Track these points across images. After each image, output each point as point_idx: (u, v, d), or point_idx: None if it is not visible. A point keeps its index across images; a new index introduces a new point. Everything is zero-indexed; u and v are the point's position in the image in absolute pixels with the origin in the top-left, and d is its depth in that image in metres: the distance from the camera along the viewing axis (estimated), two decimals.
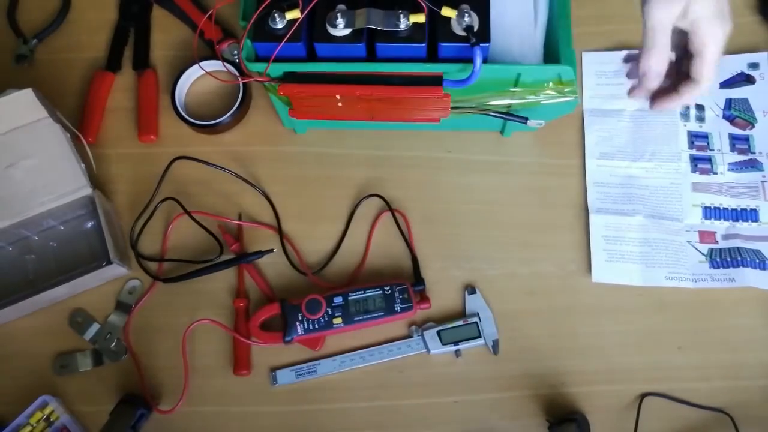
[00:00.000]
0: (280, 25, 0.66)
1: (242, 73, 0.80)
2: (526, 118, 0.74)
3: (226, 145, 0.85)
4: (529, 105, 0.70)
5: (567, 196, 0.82)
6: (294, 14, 0.66)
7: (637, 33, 0.86)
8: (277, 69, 0.68)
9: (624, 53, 0.85)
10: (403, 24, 0.64)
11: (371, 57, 0.68)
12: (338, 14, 0.65)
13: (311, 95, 0.69)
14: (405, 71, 0.67)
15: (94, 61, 0.89)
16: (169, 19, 0.90)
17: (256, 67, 0.68)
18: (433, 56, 0.68)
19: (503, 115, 0.74)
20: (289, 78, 0.68)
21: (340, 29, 0.65)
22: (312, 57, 0.69)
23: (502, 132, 0.83)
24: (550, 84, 0.68)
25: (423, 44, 0.66)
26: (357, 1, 0.66)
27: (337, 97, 0.69)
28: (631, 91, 0.66)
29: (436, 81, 0.67)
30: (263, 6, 0.66)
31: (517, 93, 0.70)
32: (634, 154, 0.82)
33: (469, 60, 0.64)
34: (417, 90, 0.67)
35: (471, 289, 0.78)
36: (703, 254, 0.78)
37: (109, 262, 0.76)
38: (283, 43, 0.66)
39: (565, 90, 0.68)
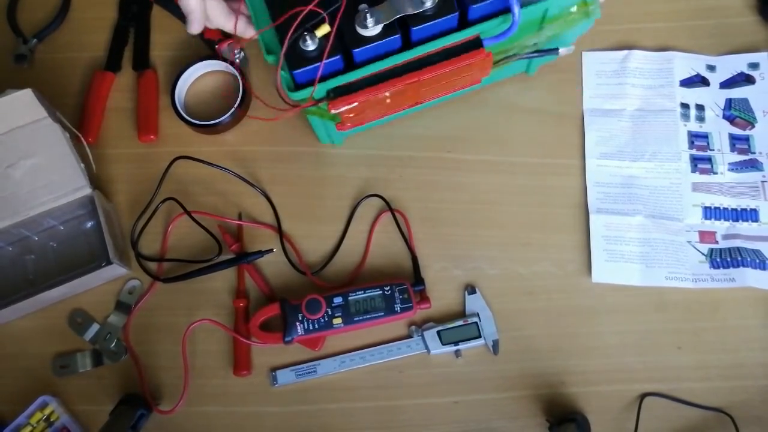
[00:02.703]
0: (312, 46, 0.64)
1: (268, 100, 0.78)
2: (557, 49, 0.74)
3: (226, 145, 0.85)
4: (555, 36, 0.71)
5: (567, 196, 0.82)
6: (323, 30, 0.64)
7: (637, 33, 0.87)
8: (321, 89, 0.66)
9: (624, 53, 0.86)
10: (429, 2, 0.64)
11: (406, 44, 0.67)
12: (366, 14, 0.63)
13: (362, 102, 0.68)
14: (445, 45, 0.66)
15: (94, 61, 0.89)
16: (169, 19, 0.90)
17: (300, 95, 0.66)
18: (462, 22, 0.67)
19: (536, 54, 0.74)
20: (334, 94, 0.67)
21: (371, 28, 0.64)
22: (349, 65, 0.68)
23: (527, 71, 0.83)
24: (575, 8, 0.69)
25: (455, 14, 0.65)
26: None
27: (387, 94, 0.68)
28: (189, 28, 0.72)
29: (476, 44, 0.67)
30: (291, 33, 0.64)
31: (545, 28, 0.70)
32: (634, 154, 0.82)
33: (502, 12, 0.65)
34: (461, 59, 0.67)
35: (471, 289, 0.78)
36: (703, 254, 0.78)
37: (109, 262, 0.76)
38: (324, 61, 0.64)
39: (590, 8, 0.69)
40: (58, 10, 0.91)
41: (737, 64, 0.85)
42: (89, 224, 0.82)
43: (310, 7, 0.63)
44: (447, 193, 0.82)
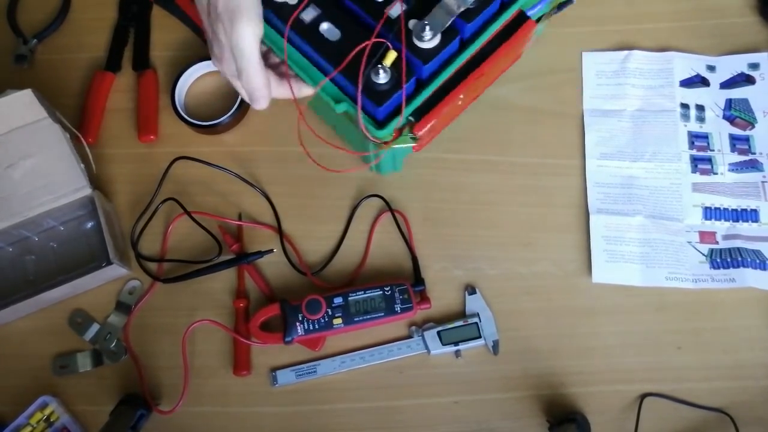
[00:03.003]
0: (384, 78, 0.62)
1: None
2: None
3: (226, 145, 0.85)
4: None
5: (567, 197, 0.82)
6: (391, 57, 0.62)
7: (637, 33, 0.87)
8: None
9: (624, 53, 0.86)
10: None
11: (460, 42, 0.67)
12: (426, 26, 0.62)
13: (442, 113, 0.67)
14: (496, 30, 0.67)
15: (94, 61, 0.89)
16: (169, 19, 0.90)
17: (386, 131, 0.64)
18: (502, 4, 0.68)
19: (557, 9, 0.75)
20: (416, 116, 0.66)
21: (432, 40, 0.63)
22: (419, 83, 0.66)
23: (537, 33, 0.85)
24: None
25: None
26: (416, 10, 0.65)
27: (461, 96, 0.67)
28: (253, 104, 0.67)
29: (522, 18, 0.68)
30: (362, 71, 0.62)
31: None
32: (635, 155, 0.82)
33: None
34: (515, 37, 0.68)
35: (471, 290, 0.78)
36: (703, 254, 0.78)
37: (109, 263, 0.76)
38: (405, 86, 0.62)
39: None
40: (58, 11, 0.91)
41: (737, 64, 0.85)
42: (89, 225, 0.82)
43: (373, 40, 0.62)
44: (447, 193, 0.82)
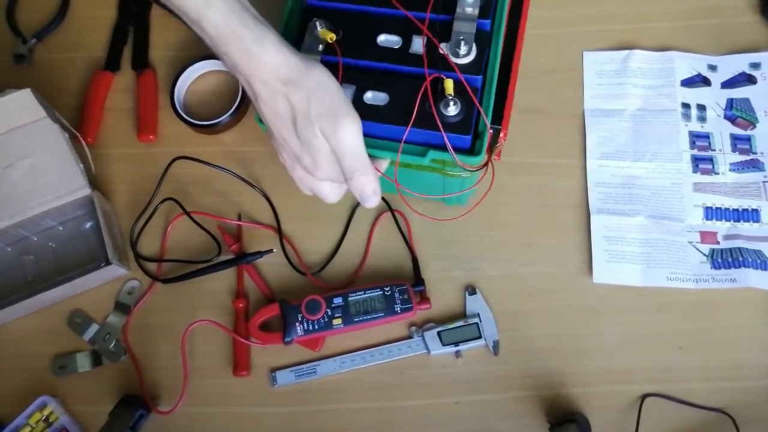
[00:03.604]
0: (455, 109, 0.62)
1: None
2: None
3: (225, 145, 0.85)
4: None
5: (568, 196, 0.81)
6: (450, 85, 0.62)
7: (638, 33, 0.87)
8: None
9: (625, 52, 0.86)
10: None
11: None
12: (460, 41, 0.62)
13: (509, 109, 0.67)
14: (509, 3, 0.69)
15: (93, 61, 0.89)
16: (169, 18, 0.90)
17: (480, 155, 0.64)
18: None
19: None
20: (496, 120, 0.66)
21: (468, 53, 0.64)
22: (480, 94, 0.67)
23: None
24: None
25: None
26: (441, 34, 0.65)
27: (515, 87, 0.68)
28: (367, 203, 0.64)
29: None
30: (438, 119, 0.62)
31: None
32: (635, 155, 0.82)
33: None
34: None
35: (471, 290, 0.78)
36: (704, 255, 0.78)
37: (108, 263, 0.76)
38: (476, 100, 0.62)
39: None
40: (58, 10, 0.90)
41: (739, 64, 0.84)
42: (88, 225, 0.82)
43: (430, 77, 0.62)
44: None
